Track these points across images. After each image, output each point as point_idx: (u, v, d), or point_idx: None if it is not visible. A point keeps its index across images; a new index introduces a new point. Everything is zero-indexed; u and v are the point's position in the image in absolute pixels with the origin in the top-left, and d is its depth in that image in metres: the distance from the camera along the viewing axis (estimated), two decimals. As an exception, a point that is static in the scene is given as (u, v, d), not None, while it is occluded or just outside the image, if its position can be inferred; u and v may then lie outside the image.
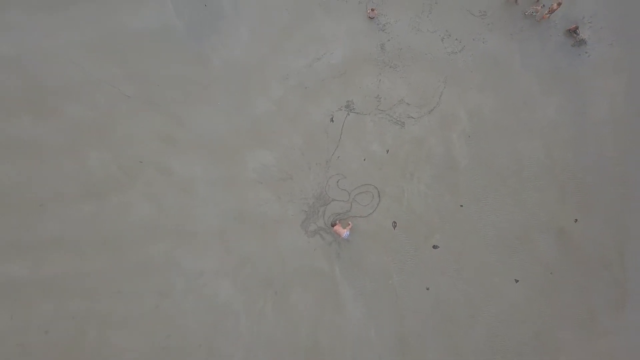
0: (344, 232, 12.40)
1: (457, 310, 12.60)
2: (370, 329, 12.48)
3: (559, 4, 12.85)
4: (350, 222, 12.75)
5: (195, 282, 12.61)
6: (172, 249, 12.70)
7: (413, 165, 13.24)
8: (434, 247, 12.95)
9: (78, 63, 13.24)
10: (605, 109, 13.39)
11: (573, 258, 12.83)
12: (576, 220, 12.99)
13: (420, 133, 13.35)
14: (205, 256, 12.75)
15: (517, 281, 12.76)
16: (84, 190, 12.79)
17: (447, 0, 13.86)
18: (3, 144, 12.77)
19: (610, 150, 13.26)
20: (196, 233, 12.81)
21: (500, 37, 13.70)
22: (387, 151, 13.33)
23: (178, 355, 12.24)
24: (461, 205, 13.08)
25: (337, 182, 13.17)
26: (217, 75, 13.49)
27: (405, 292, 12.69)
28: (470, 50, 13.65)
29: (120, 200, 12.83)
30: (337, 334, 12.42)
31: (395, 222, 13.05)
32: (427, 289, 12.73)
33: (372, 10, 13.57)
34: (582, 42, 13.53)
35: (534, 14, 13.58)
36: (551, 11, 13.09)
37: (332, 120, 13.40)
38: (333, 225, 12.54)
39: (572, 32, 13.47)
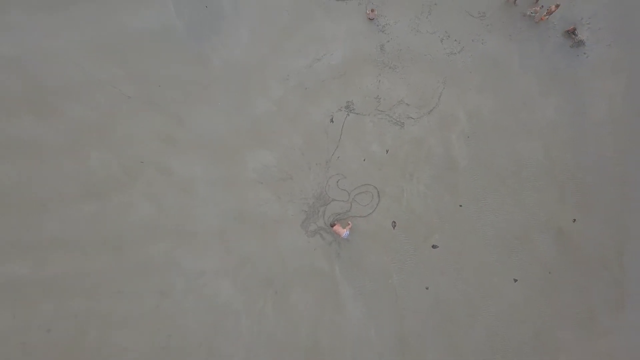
0: (344, 232, 12.44)
1: (457, 310, 12.63)
2: (370, 329, 12.51)
3: (557, 6, 12.94)
4: (350, 222, 12.79)
5: (195, 282, 12.64)
6: (172, 248, 12.73)
7: (412, 165, 13.29)
8: (434, 247, 12.99)
9: (79, 63, 13.30)
10: (604, 109, 13.46)
11: (572, 258, 12.88)
12: (575, 220, 13.03)
13: (420, 133, 13.41)
14: (205, 256, 12.78)
15: (516, 281, 12.80)
16: (84, 190, 12.83)
17: (446, 1, 13.96)
18: (4, 144, 12.82)
19: (609, 151, 13.32)
20: (196, 233, 12.85)
21: (499, 38, 13.77)
22: (387, 151, 13.38)
23: (178, 354, 12.26)
24: (460, 205, 13.13)
25: (337, 182, 13.21)
26: (217, 75, 13.55)
27: (404, 291, 12.73)
28: (470, 51, 13.72)
29: (120, 200, 12.87)
30: (337, 334, 12.45)
31: (394, 222, 13.09)
32: (427, 288, 12.77)
33: (372, 11, 13.64)
34: (580, 43, 13.61)
35: (532, 14, 13.65)
36: (550, 12, 13.17)
37: (332, 120, 13.45)
38: (332, 225, 12.58)
39: (571, 33, 13.55)
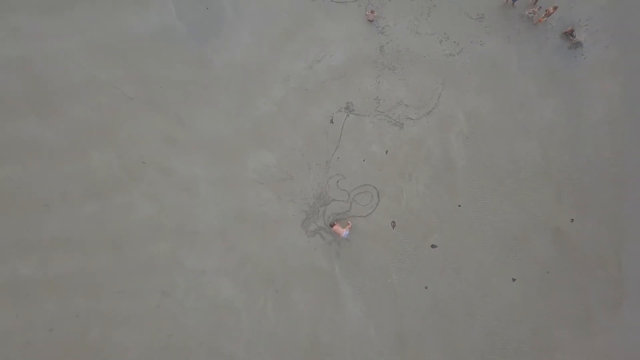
0: (344, 232, 12.52)
1: (456, 309, 12.72)
2: (370, 327, 12.60)
3: (556, 8, 13.04)
4: (349, 222, 12.87)
5: (196, 281, 12.71)
6: (173, 248, 12.81)
7: (412, 165, 13.39)
8: (433, 246, 13.09)
9: (80, 64, 13.40)
10: (601, 110, 13.57)
11: (570, 257, 12.97)
12: (573, 220, 13.13)
13: (419, 134, 13.51)
14: (206, 256, 12.86)
15: (514, 280, 12.90)
16: (86, 190, 12.92)
17: (445, 3, 14.06)
18: (8, 145, 12.92)
19: (606, 151, 13.43)
20: (197, 233, 12.93)
21: (497, 40, 13.88)
22: (386, 152, 13.48)
23: (180, 353, 12.33)
24: (459, 205, 13.23)
25: (337, 182, 13.31)
26: (218, 76, 13.65)
27: (404, 290, 12.82)
28: (468, 53, 13.82)
29: (122, 200, 12.96)
30: (337, 332, 12.53)
31: (394, 222, 13.19)
32: (426, 287, 12.86)
33: (372, 12, 13.73)
34: (578, 45, 13.72)
35: (530, 15, 13.75)
36: (548, 14, 13.27)
37: (332, 121, 13.55)
38: (332, 225, 12.65)
39: (569, 34, 13.65)
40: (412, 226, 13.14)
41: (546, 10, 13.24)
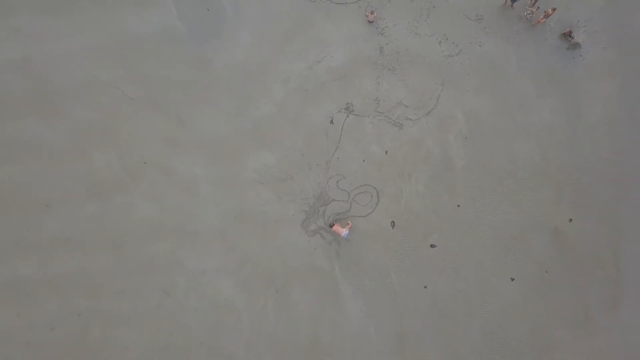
0: (344, 232, 12.56)
1: (455, 308, 12.77)
2: (370, 327, 12.63)
3: (554, 9, 13.10)
4: (349, 222, 12.91)
5: (197, 280, 12.74)
6: (174, 248, 12.83)
7: (411, 166, 13.44)
8: (432, 246, 13.14)
9: (83, 66, 13.43)
10: (599, 111, 13.64)
11: (568, 257, 13.02)
12: (571, 220, 13.20)
13: (418, 134, 13.57)
14: (206, 255, 12.89)
15: (513, 280, 12.95)
16: (87, 191, 12.93)
17: (444, 4, 14.12)
18: (8, 145, 12.93)
19: (604, 152, 13.50)
20: (198, 232, 12.96)
21: (496, 41, 13.95)
22: (386, 152, 13.53)
23: (180, 353, 12.35)
24: (458, 205, 13.28)
25: (337, 182, 13.36)
26: (218, 77, 13.69)
27: (403, 290, 12.86)
28: (467, 54, 13.89)
29: (123, 200, 12.98)
30: (337, 332, 12.57)
31: (393, 222, 13.24)
32: (425, 287, 12.91)
33: (372, 13, 13.78)
34: (576, 46, 13.79)
35: (529, 15, 13.82)
36: (546, 15, 13.33)
37: (332, 122, 13.60)
38: (332, 225, 12.67)
39: (567, 35, 13.72)
40: (411, 226, 13.19)
41: (545, 12, 13.30)
